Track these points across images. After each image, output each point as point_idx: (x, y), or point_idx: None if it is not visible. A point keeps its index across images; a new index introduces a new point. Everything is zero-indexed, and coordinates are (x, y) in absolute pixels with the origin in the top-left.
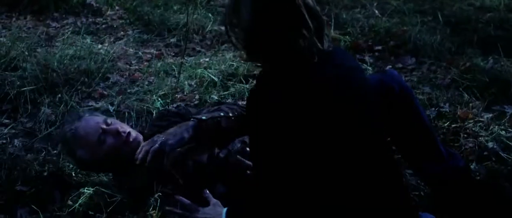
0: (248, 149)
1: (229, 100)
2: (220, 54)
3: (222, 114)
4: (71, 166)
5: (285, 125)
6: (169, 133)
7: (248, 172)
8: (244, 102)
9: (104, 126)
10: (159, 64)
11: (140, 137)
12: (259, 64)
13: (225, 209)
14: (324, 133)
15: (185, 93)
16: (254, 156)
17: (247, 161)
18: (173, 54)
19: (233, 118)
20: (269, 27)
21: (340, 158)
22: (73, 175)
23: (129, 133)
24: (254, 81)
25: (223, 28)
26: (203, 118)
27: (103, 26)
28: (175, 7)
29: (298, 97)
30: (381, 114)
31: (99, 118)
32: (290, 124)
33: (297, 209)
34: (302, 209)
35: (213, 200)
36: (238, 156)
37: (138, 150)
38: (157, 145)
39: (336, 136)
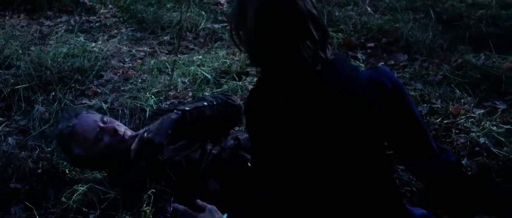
0: (241, 145)
1: None
2: (213, 52)
3: (205, 103)
4: (65, 163)
5: (284, 129)
6: (153, 131)
7: (249, 164)
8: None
9: (102, 124)
10: (152, 62)
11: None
12: (261, 69)
13: (225, 216)
14: (323, 138)
15: (178, 90)
16: (254, 155)
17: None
18: (167, 52)
19: (217, 106)
20: (273, 35)
21: (337, 160)
22: (67, 172)
23: (125, 132)
24: (255, 82)
25: (216, 26)
26: (187, 108)
27: (97, 24)
28: (168, 5)
29: (297, 104)
30: (380, 115)
31: (96, 116)
32: (289, 129)
33: (295, 209)
34: (300, 208)
35: (208, 206)
36: (243, 153)
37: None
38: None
39: (335, 140)
